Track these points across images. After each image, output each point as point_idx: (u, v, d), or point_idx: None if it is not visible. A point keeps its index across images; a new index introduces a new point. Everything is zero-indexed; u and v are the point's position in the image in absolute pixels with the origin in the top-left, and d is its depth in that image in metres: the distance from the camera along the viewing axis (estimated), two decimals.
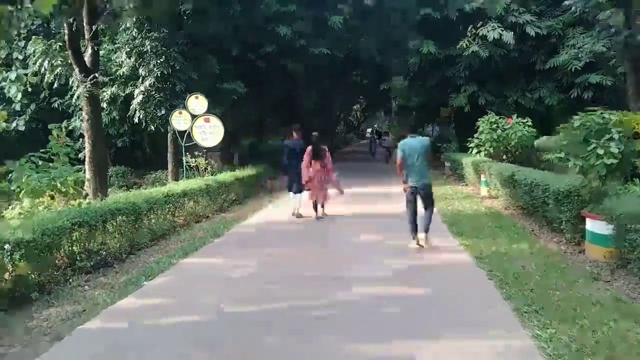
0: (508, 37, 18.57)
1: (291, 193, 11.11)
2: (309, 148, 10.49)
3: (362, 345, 4.32)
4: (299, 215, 10.78)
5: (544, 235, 8.58)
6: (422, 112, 29.75)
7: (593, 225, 6.99)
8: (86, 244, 7.21)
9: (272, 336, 4.57)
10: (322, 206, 10.74)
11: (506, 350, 4.15)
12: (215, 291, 5.89)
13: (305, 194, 10.77)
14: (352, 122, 64.04)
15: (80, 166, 10.89)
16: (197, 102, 13.69)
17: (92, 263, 7.09)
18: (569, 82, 19.95)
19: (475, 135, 14.65)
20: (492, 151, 14.05)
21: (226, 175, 13.40)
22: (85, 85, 10.92)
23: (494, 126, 14.13)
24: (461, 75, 20.60)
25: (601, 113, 7.60)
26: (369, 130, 75.35)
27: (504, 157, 14.17)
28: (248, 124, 22.33)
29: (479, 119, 14.99)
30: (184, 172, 14.09)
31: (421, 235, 7.74)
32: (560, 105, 20.24)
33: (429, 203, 7.97)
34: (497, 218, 10.06)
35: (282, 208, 12.51)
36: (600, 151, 7.07)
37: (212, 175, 13.62)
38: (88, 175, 11.88)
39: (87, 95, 11.07)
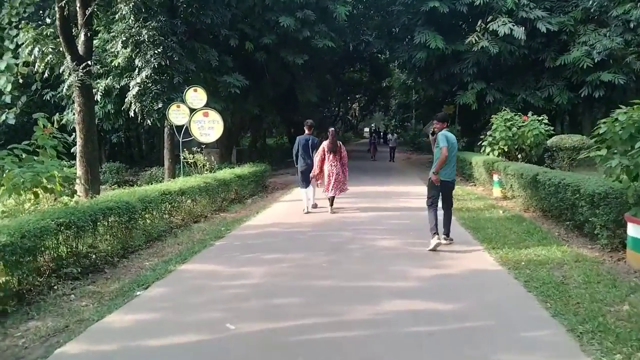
0: (519, 32, 17.89)
1: (302, 189, 11.17)
2: (326, 142, 10.65)
3: None
4: (314, 206, 11.19)
5: (572, 240, 7.88)
6: (425, 110, 29.17)
7: (637, 231, 6.27)
8: (74, 247, 6.46)
9: None
10: (330, 200, 10.89)
11: None
12: (218, 306, 5.13)
13: (311, 188, 11.10)
14: (350, 120, 63.41)
15: (70, 161, 10.12)
16: (196, 95, 12.99)
17: (79, 269, 6.33)
18: (579, 80, 19.41)
19: (489, 133, 13.91)
20: (506, 150, 13.32)
21: (226, 173, 12.70)
22: (77, 74, 10.12)
23: (509, 123, 13.38)
24: (469, 72, 19.94)
25: None
26: (367, 129, 74.73)
27: (519, 156, 13.44)
28: (247, 121, 21.59)
29: (492, 116, 14.28)
30: (181, 169, 13.37)
31: (441, 237, 7.49)
32: (570, 103, 19.67)
33: (451, 201, 7.77)
34: (518, 221, 9.35)
35: (287, 207, 11.90)
36: None
37: (210, 172, 12.92)
38: (79, 171, 11.10)
39: (79, 84, 10.27)
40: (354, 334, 4.35)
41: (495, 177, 12.69)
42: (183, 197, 9.75)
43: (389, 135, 32.89)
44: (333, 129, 11.14)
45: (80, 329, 4.57)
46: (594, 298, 5.13)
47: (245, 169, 14.12)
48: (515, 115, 13.72)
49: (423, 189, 14.99)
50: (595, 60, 17.93)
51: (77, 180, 11.29)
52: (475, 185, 15.27)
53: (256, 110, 18.68)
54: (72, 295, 5.63)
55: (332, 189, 10.66)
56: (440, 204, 7.63)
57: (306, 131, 11.21)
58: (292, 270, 6.38)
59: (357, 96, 49.62)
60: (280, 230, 9.04)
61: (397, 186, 15.81)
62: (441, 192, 7.61)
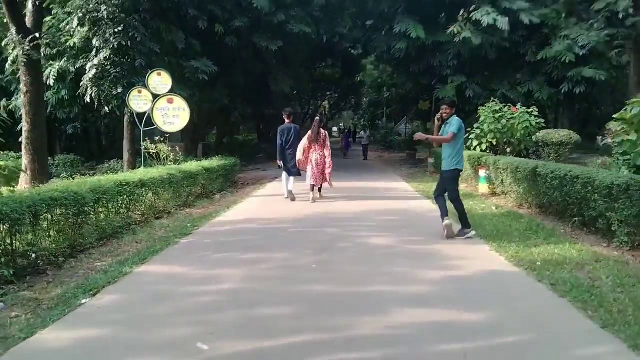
0: (503, 23, 17.29)
1: (284, 175, 11.25)
2: (310, 132, 10.84)
3: None
4: (293, 199, 10.96)
5: (581, 238, 7.13)
6: (397, 107, 28.57)
7: None
8: (7, 244, 5.31)
9: None
10: (320, 190, 11.18)
11: None
12: (185, 318, 4.07)
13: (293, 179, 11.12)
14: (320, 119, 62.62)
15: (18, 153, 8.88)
16: (160, 80, 11.93)
17: (13, 271, 5.17)
18: (559, 75, 19.01)
19: (476, 125, 13.13)
20: (494, 143, 12.56)
21: (192, 165, 11.61)
22: (24, 48, 8.84)
23: (498, 115, 12.63)
24: (449, 64, 19.27)
25: None
26: (335, 129, 74.29)
27: (508, 150, 12.71)
28: (215, 113, 20.47)
29: (480, 108, 13.52)
30: (143, 161, 12.22)
31: (473, 232, 7.24)
32: (550, 99, 19.24)
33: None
34: (516, 218, 8.58)
35: (262, 203, 10.98)
36: None
37: (175, 164, 11.78)
38: (24, 160, 9.88)
39: (26, 59, 9.00)
40: (366, 357, 3.37)
41: (482, 173, 11.93)
42: (143, 189, 8.64)
43: (362, 133, 32.28)
44: (319, 117, 11.29)
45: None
46: (638, 305, 4.30)
47: (213, 162, 13.03)
48: (504, 107, 12.98)
49: (404, 186, 14.65)
50: (581, 53, 17.49)
51: (22, 170, 10.07)
52: None
53: (225, 100, 17.57)
54: (1, 304, 4.50)
55: (316, 178, 10.81)
56: (438, 193, 7.50)
57: (286, 120, 11.09)
58: (275, 273, 5.35)
59: (327, 93, 48.75)
60: (256, 227, 8.01)
61: (377, 182, 15.03)
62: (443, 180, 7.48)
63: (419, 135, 7.69)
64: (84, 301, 4.48)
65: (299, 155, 10.80)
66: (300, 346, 3.52)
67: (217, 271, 5.41)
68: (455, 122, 7.21)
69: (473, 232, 7.20)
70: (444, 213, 7.21)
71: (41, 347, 3.55)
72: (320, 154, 10.81)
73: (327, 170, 10.87)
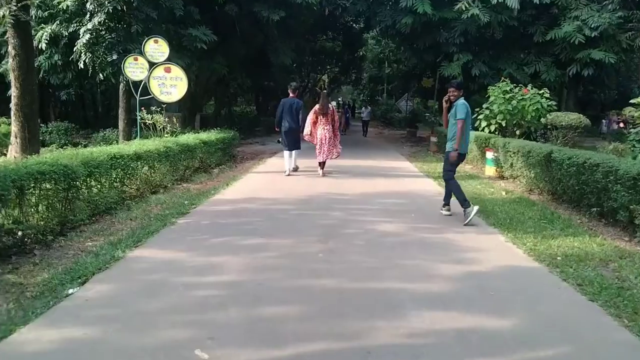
0: (513, 0, 16.62)
1: (285, 151, 11.19)
2: (317, 106, 10.99)
3: None
4: (295, 169, 11.39)
5: (599, 229, 6.75)
6: (400, 83, 27.97)
7: None
8: None
9: None
10: (322, 165, 11.10)
11: None
12: (182, 317, 3.65)
13: (295, 152, 11.29)
14: (319, 92, 61.95)
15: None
16: (157, 47, 11.41)
17: None
18: (567, 57, 18.45)
19: (485, 106, 12.62)
20: (503, 125, 12.08)
21: (189, 138, 11.09)
22: (10, 8, 8.24)
23: (508, 96, 12.12)
24: (455, 41, 18.62)
25: None
26: (333, 103, 73.66)
27: (517, 132, 12.24)
28: (213, 83, 19.93)
29: (489, 87, 12.97)
30: (138, 131, 11.75)
31: (476, 207, 6.97)
32: (557, 81, 18.72)
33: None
34: (528, 205, 8.18)
35: (262, 180, 10.55)
36: None
37: (172, 136, 11.28)
38: (14, 127, 9.37)
39: (13, 21, 8.41)
40: None
41: (489, 155, 11.55)
42: (138, 162, 8.18)
43: (363, 109, 31.53)
44: (326, 91, 11.19)
45: None
46: None
47: (211, 135, 12.54)
48: (515, 87, 12.45)
49: (407, 165, 14.24)
50: (592, 35, 16.91)
51: (12, 138, 9.57)
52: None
53: (224, 71, 16.96)
54: None
55: (322, 154, 10.92)
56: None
57: (290, 94, 11.17)
58: (280, 263, 4.93)
59: (327, 67, 47.91)
60: (257, 207, 7.60)
61: (379, 161, 14.58)
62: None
63: (454, 155, 7.20)
64: (71, 291, 4.06)
65: (307, 129, 10.97)
66: (311, 356, 3.12)
67: (217, 258, 4.99)
68: (461, 107, 7.02)
69: (476, 208, 6.90)
70: (462, 198, 7.02)
71: (18, 350, 3.12)
72: (327, 127, 10.90)
73: (336, 148, 11.07)
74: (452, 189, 7.22)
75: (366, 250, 5.48)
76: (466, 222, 6.76)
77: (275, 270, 4.71)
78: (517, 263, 5.19)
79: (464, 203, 6.92)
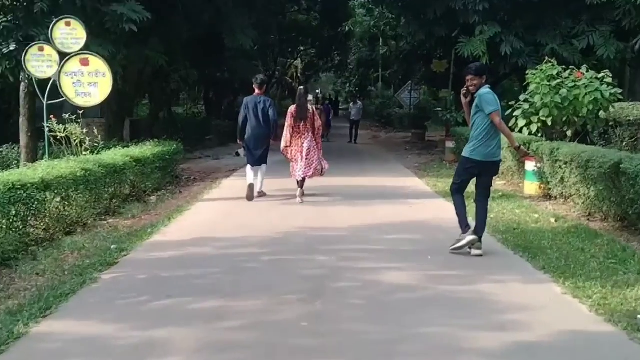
0: None
1: (249, 167, 11.52)
2: (292, 107, 11.31)
3: None
4: (261, 194, 11.57)
5: None
6: (402, 67, 28.23)
7: None
8: None
9: None
10: (300, 184, 11.31)
11: None
12: None
13: (264, 168, 11.67)
14: (290, 84, 62.44)
15: None
16: (69, 32, 11.53)
17: None
18: (633, 24, 18.40)
19: (523, 97, 12.60)
20: (548, 123, 12.04)
21: (117, 155, 11.24)
22: None
23: (555, 83, 12.08)
24: (477, 8, 18.67)
25: None
26: (310, 97, 73.96)
27: (568, 132, 12.23)
28: (149, 77, 20.12)
29: (528, 71, 12.98)
30: (47, 148, 11.85)
31: (472, 237, 7.26)
32: (617, 58, 18.68)
33: (489, 191, 7.78)
34: (590, 237, 8.18)
35: (218, 210, 10.74)
36: None
37: (92, 153, 11.42)
38: None
39: None
40: None
41: (531, 166, 11.68)
42: (47, 193, 8.16)
43: (350, 104, 31.67)
44: (303, 87, 11.99)
45: None
46: None
47: (146, 150, 12.71)
48: (564, 70, 12.41)
49: (416, 183, 14.27)
50: None
51: None
52: None
53: (162, 60, 16.96)
54: None
55: (302, 169, 11.12)
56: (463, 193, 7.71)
57: (256, 90, 11.49)
58: (247, 338, 4.78)
59: (301, 48, 48.29)
60: (213, 253, 7.55)
61: (377, 178, 14.85)
62: (480, 176, 7.54)
63: (523, 152, 7.79)
64: None
65: (285, 141, 11.26)
66: None
67: (158, 333, 4.82)
68: (487, 97, 7.15)
69: (470, 238, 7.21)
70: (480, 228, 7.36)
71: None
72: (306, 135, 11.17)
73: (321, 162, 11.42)
74: (454, 203, 7.66)
75: (368, 313, 5.41)
76: (452, 247, 7.26)
77: (240, 350, 4.56)
78: (583, 326, 5.12)
79: (463, 225, 7.40)
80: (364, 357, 4.47)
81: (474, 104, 7.28)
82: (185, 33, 18.03)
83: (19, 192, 7.32)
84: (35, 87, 11.77)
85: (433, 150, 21.35)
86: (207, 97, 33.74)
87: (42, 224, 8.17)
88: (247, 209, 10.58)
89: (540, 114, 12.02)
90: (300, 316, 5.25)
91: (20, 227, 7.51)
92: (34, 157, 13.57)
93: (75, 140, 11.71)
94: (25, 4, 12.35)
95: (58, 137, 11.71)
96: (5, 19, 12.29)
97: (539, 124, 12.22)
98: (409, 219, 9.70)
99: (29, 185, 7.59)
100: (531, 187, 11.74)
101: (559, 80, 12.00)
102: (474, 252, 7.31)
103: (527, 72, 13.12)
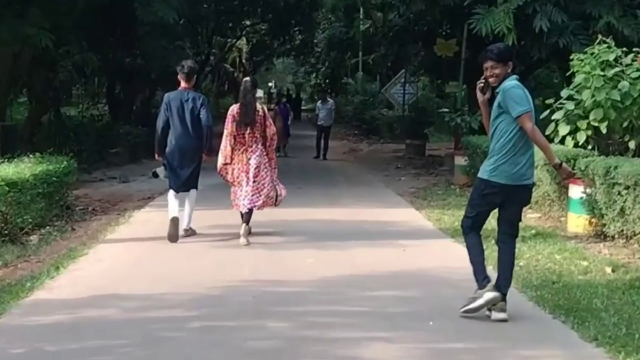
0: None
1: (172, 193, 11.56)
2: (235, 107, 11.40)
3: None
4: (189, 232, 11.65)
5: None
6: (392, 48, 28.60)
7: None
8: None
9: None
10: (245, 218, 11.35)
11: None
12: None
13: (193, 194, 11.71)
14: (230, 73, 62.95)
15: None
16: None
17: None
18: None
19: (566, 94, 12.79)
20: (604, 130, 12.21)
21: None
22: None
23: (612, 72, 12.24)
24: None
25: None
26: (260, 93, 74.13)
27: (631, 144, 12.37)
28: (28, 65, 20.12)
29: (573, 58, 13.23)
30: None
31: (493, 294, 7.14)
32: None
33: (515, 228, 7.65)
34: None
35: (128, 255, 10.92)
36: None
37: None
38: None
39: None
40: None
41: (577, 192, 11.84)
42: None
43: (319, 104, 31.74)
44: (249, 78, 12.05)
45: None
46: None
47: (23, 169, 12.82)
48: (625, 55, 12.59)
49: (412, 215, 14.37)
50: None
51: None
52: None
53: (46, 40, 16.98)
54: None
55: (249, 197, 11.18)
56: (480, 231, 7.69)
57: (182, 83, 11.55)
58: None
59: (247, 24, 48.59)
60: (120, 316, 7.57)
61: (355, 208, 15.23)
62: (504, 207, 7.44)
63: (566, 172, 7.86)
64: None
65: (224, 155, 11.33)
66: None
67: None
68: (514, 94, 7.14)
69: (487, 296, 7.15)
70: (504, 281, 7.35)
71: None
72: (252, 148, 11.23)
73: (275, 187, 11.60)
74: (467, 245, 7.67)
75: None
76: (464, 308, 7.22)
77: None
78: None
79: (480, 278, 7.32)
80: None
81: (496, 103, 7.31)
82: (81, 3, 18.07)
83: None
84: None
85: (436, 170, 21.63)
86: (111, 92, 33.72)
87: None
88: (169, 254, 10.63)
89: (591, 117, 12.26)
90: None
91: None
92: None
93: None
94: None
95: None
96: None
97: (589, 132, 12.44)
98: (402, 268, 9.79)
99: None
100: (578, 222, 11.93)
101: (617, 69, 12.23)
102: (496, 315, 7.35)
103: (571, 57, 13.35)
